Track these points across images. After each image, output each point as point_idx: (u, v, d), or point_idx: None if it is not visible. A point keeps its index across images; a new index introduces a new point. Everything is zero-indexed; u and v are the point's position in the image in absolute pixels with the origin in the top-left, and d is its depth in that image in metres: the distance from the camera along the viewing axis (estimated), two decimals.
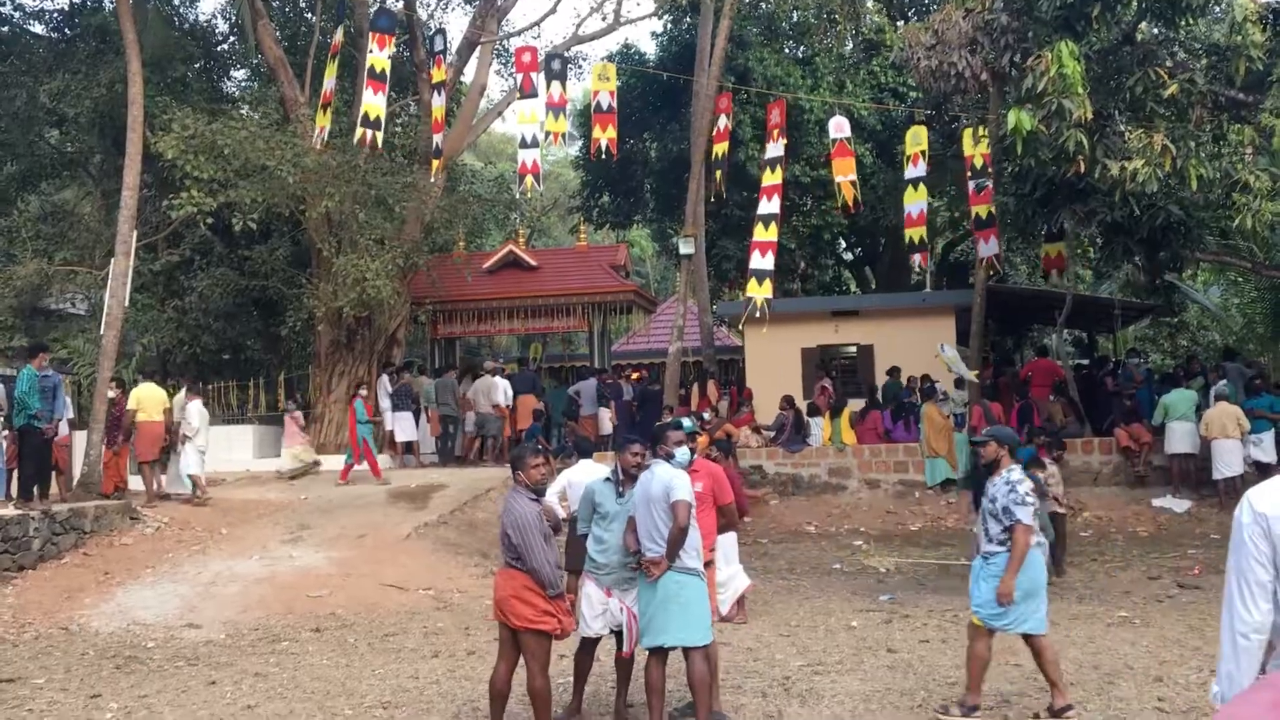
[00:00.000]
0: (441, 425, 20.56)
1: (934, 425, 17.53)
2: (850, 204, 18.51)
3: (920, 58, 15.40)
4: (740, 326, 18.39)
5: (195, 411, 16.08)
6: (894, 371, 19.90)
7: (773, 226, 18.47)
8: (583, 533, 7.19)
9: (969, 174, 19.16)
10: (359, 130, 17.65)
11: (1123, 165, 13.07)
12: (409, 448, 20.10)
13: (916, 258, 19.51)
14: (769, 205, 18.55)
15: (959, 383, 19.38)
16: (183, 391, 16.60)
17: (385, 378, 20.09)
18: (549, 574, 6.51)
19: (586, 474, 8.52)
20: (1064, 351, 21.49)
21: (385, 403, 19.87)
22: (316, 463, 18.85)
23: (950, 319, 21.28)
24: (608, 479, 7.15)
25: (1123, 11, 14.35)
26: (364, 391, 18.75)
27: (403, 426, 19.70)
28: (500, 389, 19.83)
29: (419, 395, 20.56)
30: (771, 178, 18.61)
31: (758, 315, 18.10)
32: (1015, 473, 7.06)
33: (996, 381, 19.34)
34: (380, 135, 17.82)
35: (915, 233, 19.66)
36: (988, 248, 18.72)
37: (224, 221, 19.84)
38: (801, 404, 19.72)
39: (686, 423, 7.34)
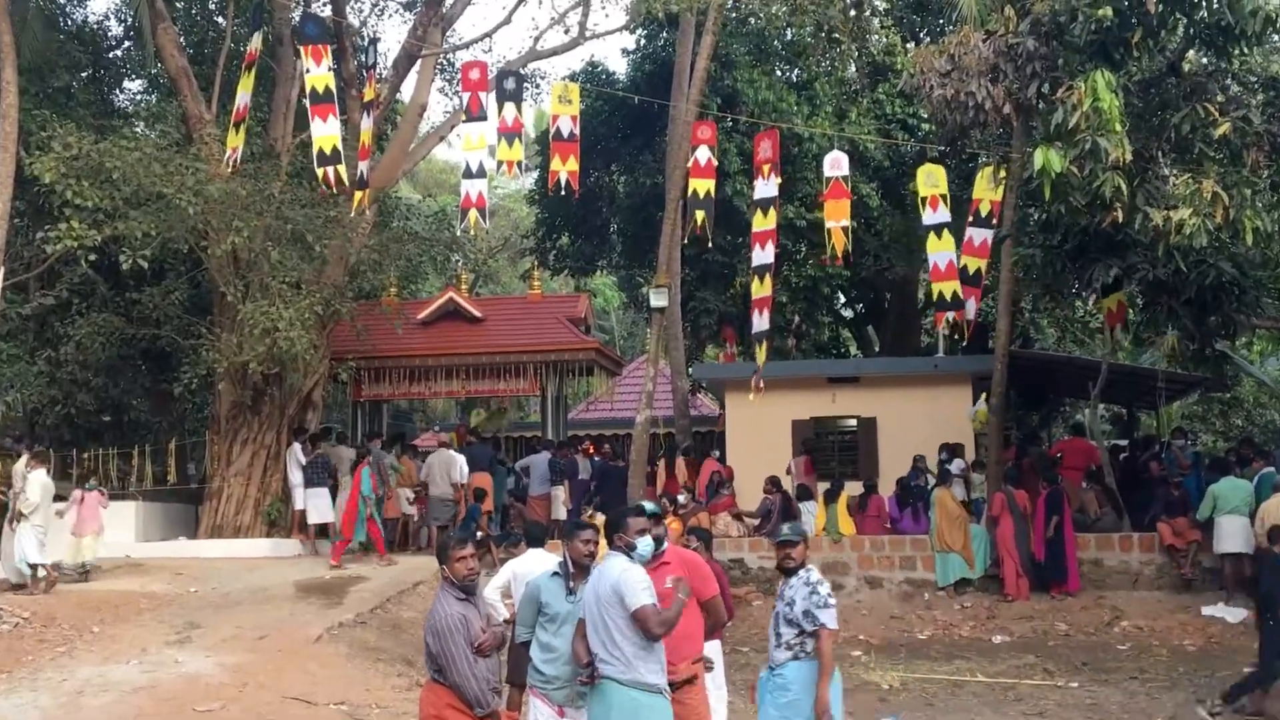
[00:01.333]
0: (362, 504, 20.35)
1: (948, 514, 17.57)
2: (840, 255, 18.71)
3: (934, 85, 15.69)
4: (751, 397, 18.51)
5: (37, 483, 15.79)
6: (918, 461, 19.93)
7: (768, 280, 18.63)
8: (523, 640, 7.09)
9: (969, 219, 19.45)
10: (319, 171, 17.62)
11: (1167, 215, 13.31)
12: (323, 531, 19.88)
13: (951, 316, 19.60)
14: (763, 255, 18.70)
15: (978, 464, 19.50)
16: (23, 459, 16.31)
17: (297, 447, 19.92)
18: (475, 690, 6.41)
19: (536, 566, 8.46)
20: (1099, 430, 21.65)
21: (296, 477, 19.69)
22: (88, 570, 16.94)
23: (966, 388, 21.44)
24: (555, 573, 7.09)
25: (1167, 38, 14.73)
26: (370, 459, 18.72)
27: (317, 506, 19.48)
28: (458, 465, 19.81)
29: (337, 468, 20.38)
30: (764, 222, 18.78)
31: (761, 385, 18.24)
32: (814, 573, 7.47)
33: (1020, 464, 19.45)
34: (344, 171, 17.79)
35: (946, 287, 19.78)
36: (968, 307, 19.06)
37: (110, 258, 19.71)
38: (790, 486, 19.75)
39: (649, 505, 7.34)
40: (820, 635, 7.18)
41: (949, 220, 19.73)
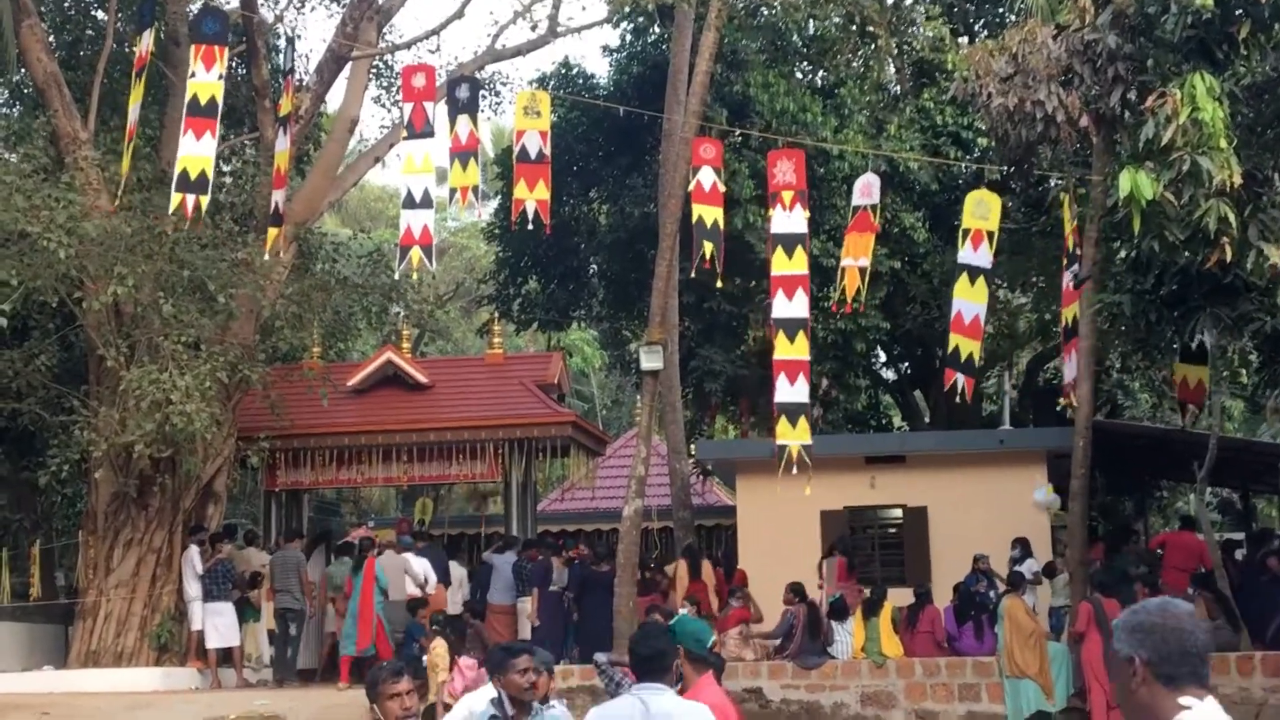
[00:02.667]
0: (278, 624, 20.30)
1: (1020, 629, 17.51)
2: (850, 301, 18.81)
3: (992, 92, 15.85)
4: (778, 477, 18.36)
5: None
6: (980, 562, 19.87)
7: (800, 337, 18.54)
8: None
9: (1065, 259, 19.53)
10: (175, 197, 17.68)
11: None
12: (227, 656, 19.76)
13: (960, 380, 19.69)
14: (790, 305, 18.63)
15: (1049, 568, 19.46)
16: None
17: (195, 550, 19.85)
18: None
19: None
20: (1208, 521, 21.67)
21: (193, 589, 19.62)
22: None
23: (1040, 469, 21.45)
24: (493, 717, 7.11)
25: None
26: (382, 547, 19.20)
27: (218, 625, 19.42)
28: (419, 568, 19.95)
29: (245, 577, 20.31)
30: (789, 264, 18.75)
31: (794, 471, 18.11)
32: (557, 709, 7.48)
33: (1110, 565, 19.42)
34: (205, 201, 17.88)
35: (965, 345, 19.83)
36: (1071, 367, 19.03)
37: None
38: (818, 594, 19.68)
39: (684, 611, 7.37)
40: None
41: (989, 266, 19.79)
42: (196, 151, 17.78)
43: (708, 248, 18.98)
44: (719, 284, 20.50)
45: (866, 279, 18.82)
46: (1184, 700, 3.66)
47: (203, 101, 17.92)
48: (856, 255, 18.67)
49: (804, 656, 18.18)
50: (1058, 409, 21.81)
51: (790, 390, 18.42)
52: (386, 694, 6.58)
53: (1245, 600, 18.72)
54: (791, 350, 18.53)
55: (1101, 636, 16.97)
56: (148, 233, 19.13)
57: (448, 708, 15.09)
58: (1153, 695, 3.70)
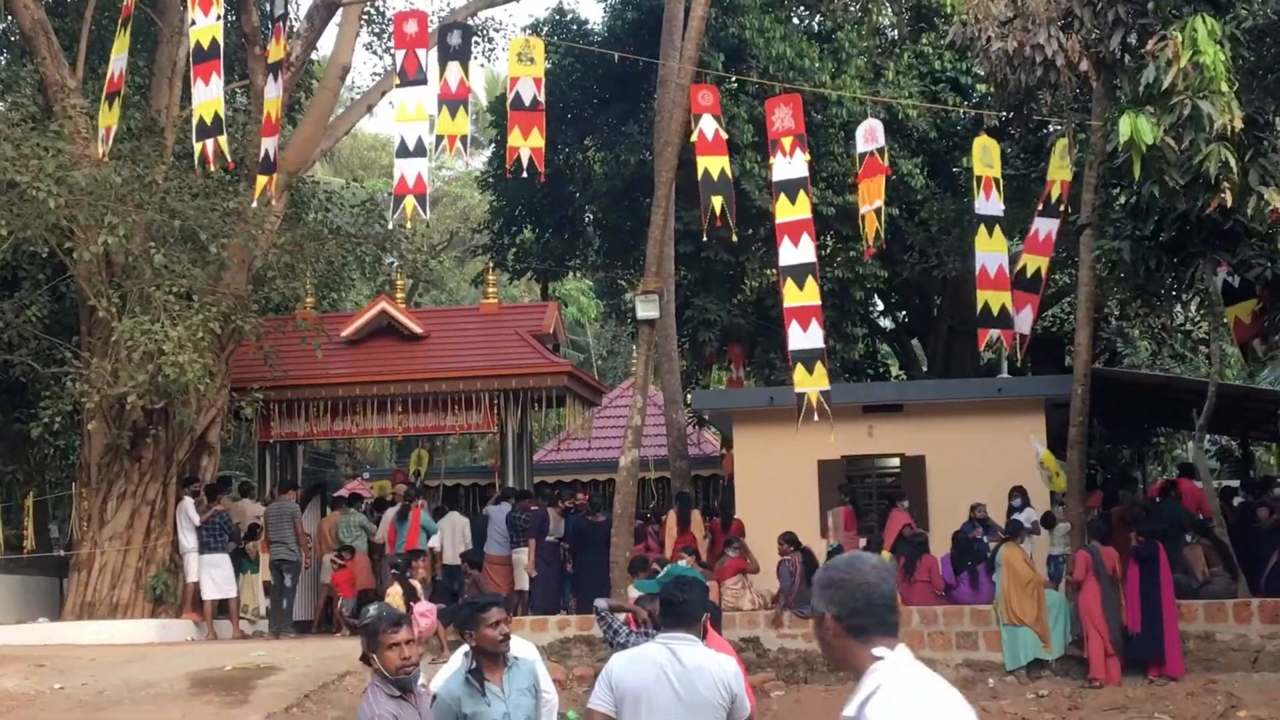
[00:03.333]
0: (274, 575, 20.38)
1: (1017, 578, 17.56)
2: (871, 245, 18.78)
3: (992, 36, 15.79)
4: (798, 426, 18.37)
5: None
6: (977, 511, 19.88)
7: (810, 283, 18.50)
8: None
9: (1040, 206, 19.53)
10: (196, 146, 17.63)
11: None
12: (223, 608, 19.83)
13: (995, 334, 19.71)
14: (797, 252, 18.61)
15: (1048, 518, 19.52)
16: None
17: (189, 502, 19.89)
18: None
19: None
20: (1207, 469, 21.72)
21: (188, 540, 19.67)
22: None
23: (1038, 417, 21.46)
24: (468, 674, 7.09)
25: None
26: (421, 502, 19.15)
27: (214, 576, 19.48)
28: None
29: (239, 529, 20.38)
30: (792, 210, 18.73)
31: (814, 418, 18.12)
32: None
33: (1108, 513, 19.47)
34: (224, 140, 17.85)
35: (995, 298, 19.83)
36: (1019, 320, 19.07)
37: None
38: (818, 543, 19.74)
39: (683, 564, 7.36)
40: None
41: (1001, 214, 19.80)
42: (207, 97, 17.79)
43: (716, 203, 18.88)
44: (732, 235, 20.45)
45: (882, 220, 18.77)
46: (876, 650, 3.83)
47: (205, 46, 17.91)
48: (871, 200, 18.65)
49: (801, 606, 18.23)
50: (1006, 358, 21.85)
51: (804, 337, 18.38)
52: (386, 643, 6.60)
53: (1242, 549, 18.80)
54: (801, 296, 18.48)
55: (1100, 584, 17.06)
56: (138, 182, 19.07)
57: None
58: (846, 648, 3.89)
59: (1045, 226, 19.36)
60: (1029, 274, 19.28)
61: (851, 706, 3.83)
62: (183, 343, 18.36)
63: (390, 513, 21.13)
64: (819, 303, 18.70)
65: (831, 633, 3.89)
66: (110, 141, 18.82)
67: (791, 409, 18.71)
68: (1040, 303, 20.11)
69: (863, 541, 19.16)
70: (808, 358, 18.33)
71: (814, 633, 3.94)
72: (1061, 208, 18.79)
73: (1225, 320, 18.80)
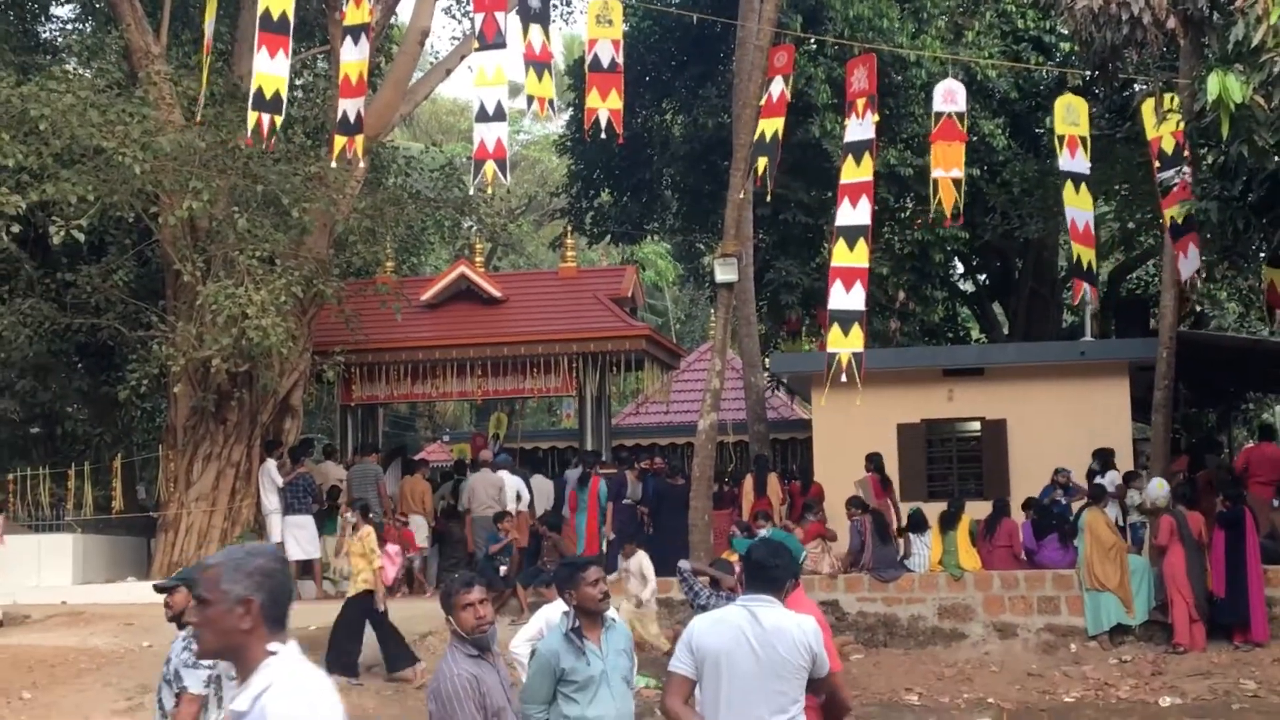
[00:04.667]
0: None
1: (1100, 542, 17.44)
2: (949, 213, 18.57)
3: None
4: (823, 398, 18.31)
5: None
6: (1059, 475, 19.69)
7: (861, 245, 18.42)
8: None
9: (1156, 163, 19.23)
10: (251, 115, 17.70)
11: None
12: (307, 568, 20.06)
13: (1085, 290, 19.53)
14: (854, 213, 18.55)
15: (1135, 475, 19.33)
16: None
17: (272, 464, 20.11)
18: None
19: None
20: None
21: (271, 501, 19.90)
22: None
23: (1122, 381, 21.27)
24: (568, 633, 7.16)
25: None
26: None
27: (298, 538, 19.69)
28: (511, 488, 20.45)
29: (323, 490, 20.58)
30: (855, 171, 18.67)
31: (843, 379, 18.03)
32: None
33: (1194, 478, 19.27)
34: (279, 121, 17.92)
35: (1084, 253, 19.66)
36: (1188, 263, 18.65)
37: (37, 230, 19.97)
38: (891, 506, 19.69)
39: (764, 531, 7.38)
40: (181, 700, 7.48)
41: (1087, 172, 19.57)
42: (271, 70, 17.74)
43: (761, 164, 18.92)
44: (768, 197, 20.35)
45: (962, 191, 18.56)
46: (272, 645, 3.86)
47: (274, 16, 17.85)
48: (947, 166, 18.40)
49: (881, 569, 18.21)
50: (1191, 297, 21.46)
51: (845, 297, 18.21)
52: (460, 604, 6.71)
53: None
54: (850, 257, 18.32)
55: (1184, 549, 16.90)
56: (221, 148, 19.21)
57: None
58: (254, 637, 3.88)
59: (1178, 175, 18.88)
60: (1180, 221, 18.73)
61: (244, 700, 3.84)
62: (265, 306, 18.51)
63: (572, 476, 21.46)
64: (866, 265, 18.49)
65: (251, 620, 3.86)
66: (202, 106, 18.92)
67: (870, 373, 18.56)
68: (1128, 265, 19.83)
69: (942, 506, 19.05)
70: (846, 318, 18.14)
71: (213, 613, 3.88)
72: (1185, 154, 18.34)
73: (1272, 282, 18.61)
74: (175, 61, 21.13)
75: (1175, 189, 18.53)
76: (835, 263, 18.42)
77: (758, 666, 6.25)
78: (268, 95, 17.65)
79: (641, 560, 17.50)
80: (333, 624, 15.71)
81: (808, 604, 7.22)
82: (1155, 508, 17.73)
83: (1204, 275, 26.60)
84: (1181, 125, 17.52)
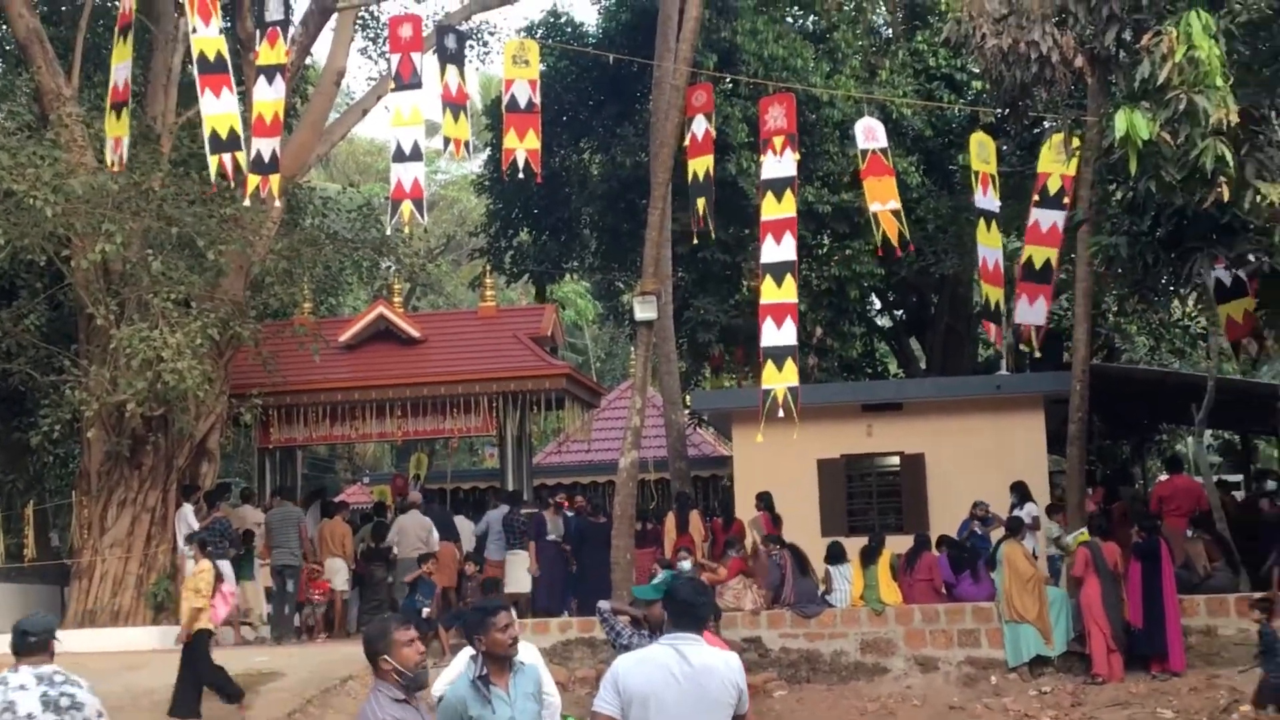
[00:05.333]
0: (275, 580, 20.36)
1: (1018, 574, 17.57)
2: (896, 243, 18.81)
3: (986, 34, 15.75)
4: (759, 434, 18.42)
5: None
6: (977, 509, 19.86)
7: (788, 281, 18.62)
8: None
9: (1035, 199, 19.59)
10: (212, 159, 17.52)
11: None
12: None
13: (993, 329, 19.94)
14: (778, 250, 18.72)
15: (1054, 509, 19.51)
16: None
17: (189, 509, 19.88)
18: None
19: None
20: (1206, 464, 21.75)
21: (189, 547, 19.64)
22: None
23: (1038, 415, 21.50)
24: (476, 678, 7.10)
25: None
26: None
27: None
28: (431, 529, 20.35)
29: (240, 535, 20.36)
30: (778, 208, 18.82)
31: (780, 415, 18.16)
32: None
33: (1109, 509, 19.49)
34: (242, 157, 17.72)
35: (993, 292, 20.03)
36: (1031, 312, 19.07)
37: None
38: (817, 542, 19.74)
39: (685, 565, 7.38)
40: None
41: (997, 209, 19.95)
42: (219, 110, 17.58)
43: (699, 205, 19.08)
44: (711, 236, 20.52)
45: (903, 220, 18.81)
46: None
47: (210, 58, 17.74)
48: (884, 199, 18.68)
49: (802, 604, 18.24)
50: (1022, 349, 21.93)
51: (777, 334, 18.43)
52: (403, 641, 6.66)
53: (1244, 543, 18.83)
54: (779, 294, 18.54)
55: (1101, 580, 17.07)
56: (135, 189, 19.04)
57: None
58: None
59: (1046, 218, 19.42)
60: (1037, 266, 19.29)
61: None
62: (181, 349, 18.34)
63: (494, 516, 21.24)
64: (795, 300, 18.76)
65: None
66: (122, 151, 18.64)
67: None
68: (1041, 295, 20.13)
69: (863, 540, 19.11)
70: (779, 354, 18.38)
71: None
72: (1065, 200, 18.79)
73: (1229, 316, 18.87)
74: (87, 104, 20.93)
75: (1048, 231, 18.93)
76: (765, 300, 18.60)
77: (687, 705, 6.26)
78: (223, 135, 17.50)
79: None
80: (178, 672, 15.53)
81: (719, 641, 7.25)
82: (1077, 542, 17.94)
83: (1115, 309, 27.12)
84: (1084, 169, 17.82)
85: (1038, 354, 21.05)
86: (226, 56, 17.88)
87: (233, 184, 18.41)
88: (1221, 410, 21.59)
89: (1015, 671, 17.46)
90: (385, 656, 6.63)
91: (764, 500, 20.59)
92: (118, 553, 20.21)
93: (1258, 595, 16.09)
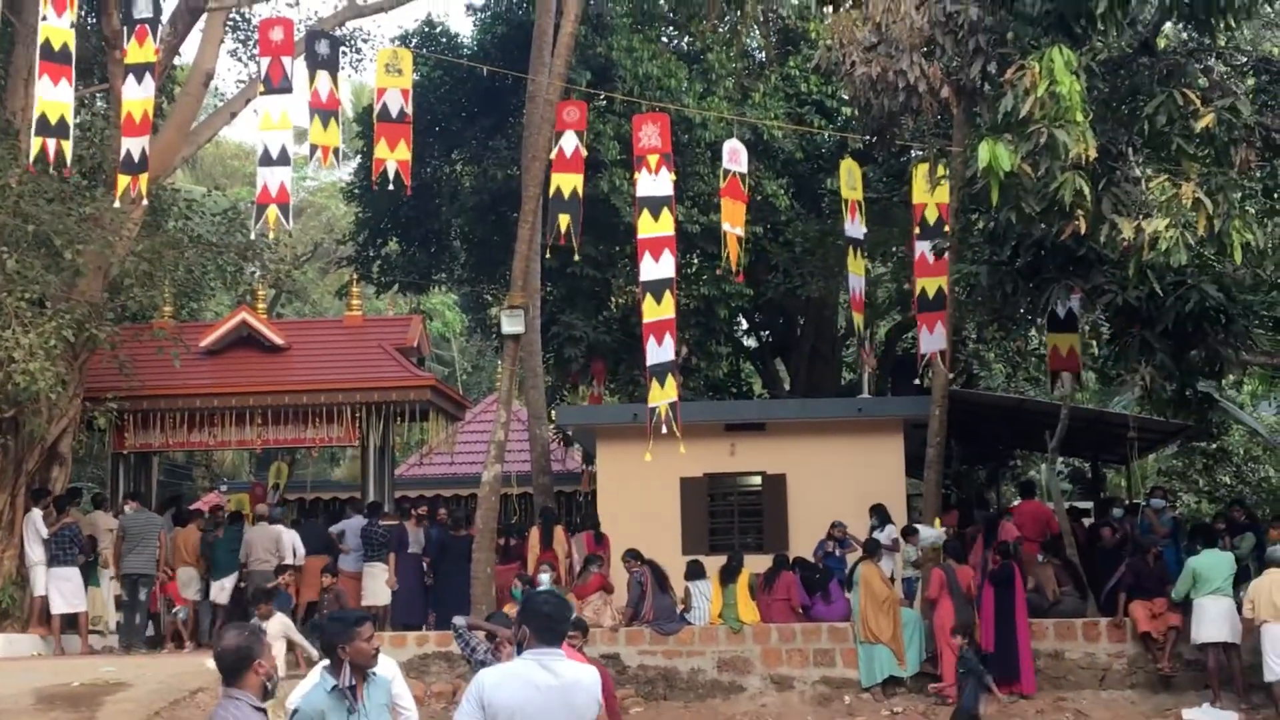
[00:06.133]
0: (128, 588, 19.97)
1: (873, 596, 17.76)
2: (736, 268, 19.09)
3: (856, 61, 16.00)
4: (648, 452, 18.58)
5: None
6: (835, 529, 20.06)
7: (667, 298, 18.82)
8: None
9: (916, 230, 19.91)
10: (35, 141, 17.28)
11: (1139, 225, 13.72)
12: (72, 623, 19.37)
13: (865, 352, 20.33)
14: (657, 267, 18.86)
15: (909, 530, 19.78)
16: None
17: (38, 514, 19.40)
18: None
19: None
20: (1058, 489, 22.17)
21: (36, 553, 19.18)
22: None
23: (897, 438, 21.79)
24: (334, 686, 7.16)
25: (1139, 8, 15.21)
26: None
27: (62, 590, 19.01)
28: (289, 542, 19.96)
29: (91, 541, 19.95)
30: (655, 226, 18.97)
31: (664, 430, 18.29)
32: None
33: (963, 532, 19.79)
34: (68, 146, 17.60)
35: (859, 319, 20.38)
36: (933, 340, 19.41)
37: None
38: (677, 559, 19.80)
39: (545, 579, 7.39)
40: None
41: (862, 237, 20.27)
42: (54, 97, 17.53)
43: (563, 221, 19.13)
44: (575, 254, 20.59)
45: (744, 245, 19.06)
46: None
47: (55, 47, 17.67)
48: (735, 222, 18.95)
49: (660, 621, 18.27)
50: (916, 380, 22.29)
51: (659, 351, 18.69)
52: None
53: (1091, 568, 19.23)
54: (659, 311, 18.76)
55: (954, 602, 17.32)
56: None
57: None
58: None
59: (940, 248, 19.63)
60: (930, 296, 19.61)
61: None
62: (34, 350, 17.96)
63: (350, 526, 21.01)
64: (674, 317, 18.96)
65: None
66: None
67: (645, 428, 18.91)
68: (904, 324, 20.47)
69: (721, 559, 19.21)
70: (661, 371, 18.69)
71: None
72: (945, 228, 19.06)
73: (1054, 346, 19.42)
74: None
75: (936, 262, 19.24)
76: (647, 318, 18.83)
77: (552, 719, 6.25)
78: (52, 121, 17.45)
79: (283, 622, 16.49)
80: None
81: (580, 656, 7.25)
82: (934, 548, 18.22)
83: (975, 336, 27.60)
84: (949, 197, 18.15)
85: (950, 375, 21.33)
86: (72, 50, 17.88)
87: (52, 169, 18.11)
88: (1074, 438, 22.05)
89: (869, 691, 17.65)
90: (244, 674, 6.52)
91: (551, 515, 20.90)
92: None
93: (958, 623, 16.66)
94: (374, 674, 7.35)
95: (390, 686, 7.54)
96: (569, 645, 7.58)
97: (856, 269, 21.05)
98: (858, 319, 20.79)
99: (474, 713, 6.21)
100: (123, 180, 18.19)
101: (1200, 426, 23.71)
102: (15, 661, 18.33)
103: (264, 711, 6.56)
